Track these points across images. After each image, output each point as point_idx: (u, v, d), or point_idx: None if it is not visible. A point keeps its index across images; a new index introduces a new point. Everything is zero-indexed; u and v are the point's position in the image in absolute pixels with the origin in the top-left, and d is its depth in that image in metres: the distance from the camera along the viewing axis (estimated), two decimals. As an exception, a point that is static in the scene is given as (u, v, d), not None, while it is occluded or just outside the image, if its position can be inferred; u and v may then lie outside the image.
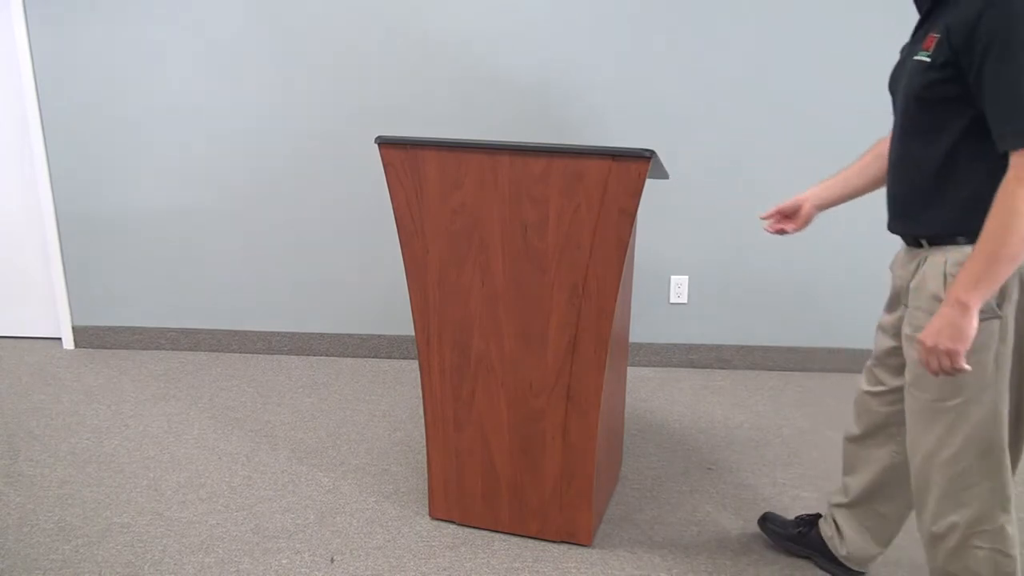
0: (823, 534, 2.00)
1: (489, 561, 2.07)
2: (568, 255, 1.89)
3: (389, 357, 3.51)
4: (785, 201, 1.92)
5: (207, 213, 3.39)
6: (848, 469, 1.89)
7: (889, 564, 2.02)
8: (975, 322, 1.36)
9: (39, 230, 3.52)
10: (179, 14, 3.18)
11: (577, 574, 2.02)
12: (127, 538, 2.16)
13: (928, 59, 1.42)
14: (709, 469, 2.55)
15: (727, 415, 2.95)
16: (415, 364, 3.44)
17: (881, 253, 3.20)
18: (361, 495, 2.38)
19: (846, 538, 1.92)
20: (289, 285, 3.46)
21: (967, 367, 1.39)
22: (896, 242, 1.75)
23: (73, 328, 3.57)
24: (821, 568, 2.03)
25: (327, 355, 3.52)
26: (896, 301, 1.67)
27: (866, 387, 1.80)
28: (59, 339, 3.65)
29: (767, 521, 2.14)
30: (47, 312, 3.62)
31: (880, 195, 3.29)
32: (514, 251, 1.93)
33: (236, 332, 3.52)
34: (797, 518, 2.09)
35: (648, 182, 3.15)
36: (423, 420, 2.49)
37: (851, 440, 1.87)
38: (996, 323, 1.42)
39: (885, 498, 1.83)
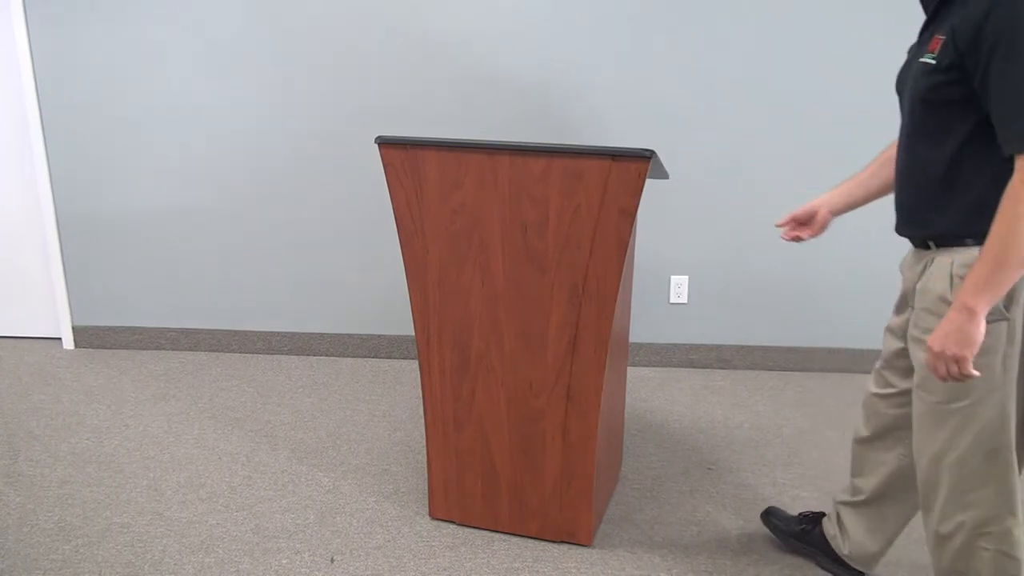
0: (826, 533, 1.99)
1: (489, 561, 2.07)
2: (568, 255, 1.89)
3: (389, 357, 3.51)
4: (799, 208, 1.90)
5: (207, 213, 3.39)
6: (856, 470, 1.88)
7: (889, 564, 2.02)
8: (982, 327, 1.35)
9: (39, 230, 3.52)
10: (179, 14, 3.18)
11: (577, 574, 2.02)
12: (127, 538, 2.16)
13: (933, 61, 1.41)
14: (709, 469, 2.55)
15: (727, 415, 2.95)
16: (415, 364, 3.44)
17: (881, 253, 3.21)
18: (361, 495, 2.38)
19: (851, 537, 1.91)
20: (289, 285, 3.46)
21: (975, 373, 1.38)
22: (897, 242, 1.75)
23: (73, 328, 3.57)
24: (822, 568, 2.03)
25: (327, 355, 3.52)
26: (904, 303, 1.66)
27: (874, 389, 1.79)
28: (59, 339, 3.65)
29: (770, 515, 2.14)
30: (47, 312, 3.62)
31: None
32: (514, 251, 1.93)
33: (236, 332, 3.52)
34: (800, 515, 2.08)
35: (648, 182, 3.15)
36: (423, 420, 2.49)
37: (859, 442, 1.85)
38: (1004, 325, 1.41)
39: (892, 500, 1.82)
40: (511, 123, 3.19)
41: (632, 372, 3.35)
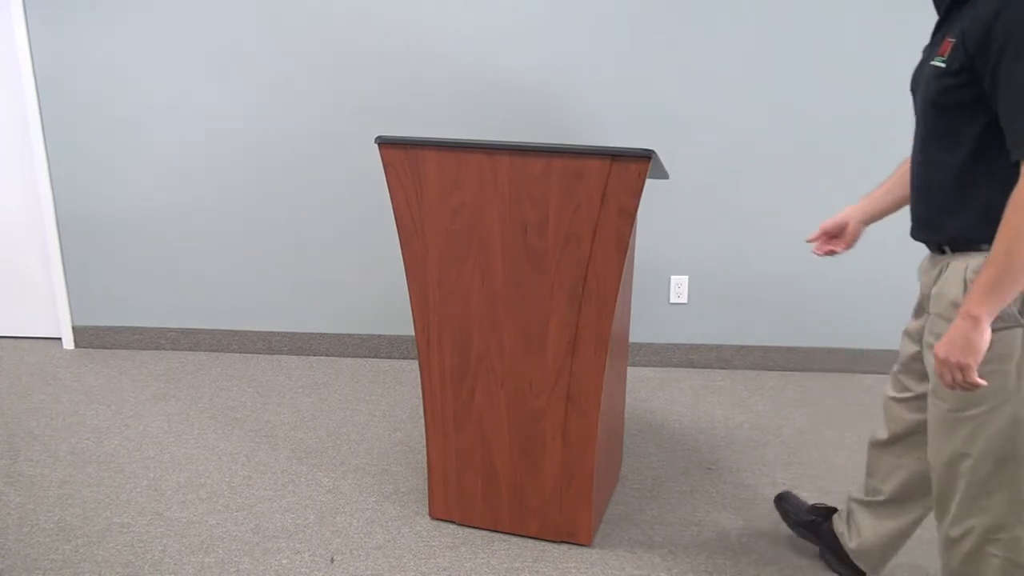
0: (835, 528, 1.99)
1: (489, 561, 2.07)
2: (568, 255, 1.89)
3: (389, 357, 3.51)
4: (828, 220, 1.87)
5: (207, 213, 3.39)
6: (872, 472, 1.87)
7: (890, 565, 2.02)
8: (987, 335, 1.34)
9: (39, 230, 3.52)
10: (179, 14, 3.18)
11: (577, 574, 2.02)
12: (127, 538, 2.16)
13: (943, 65, 1.40)
14: (709, 469, 2.55)
15: (727, 415, 2.95)
16: (415, 364, 3.44)
17: (881, 254, 3.21)
18: (361, 495, 2.38)
19: (860, 534, 1.90)
20: (289, 285, 3.46)
21: (981, 382, 1.37)
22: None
23: (73, 328, 3.57)
24: (825, 562, 2.03)
25: (327, 355, 3.52)
26: (922, 307, 1.65)
27: (892, 393, 1.78)
28: (59, 339, 3.65)
29: (783, 500, 2.14)
30: (47, 312, 3.62)
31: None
32: (514, 251, 1.93)
33: (236, 332, 3.52)
34: (813, 506, 2.08)
35: (648, 182, 3.15)
36: (423, 420, 2.49)
37: (877, 444, 1.83)
38: (1019, 332, 1.39)
39: (909, 503, 1.81)
40: (511, 123, 3.19)
41: (632, 372, 3.35)
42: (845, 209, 1.87)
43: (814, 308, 3.32)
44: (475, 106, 3.19)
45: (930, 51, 1.50)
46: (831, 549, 2.00)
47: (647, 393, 3.14)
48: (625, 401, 2.84)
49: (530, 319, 1.97)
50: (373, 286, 3.43)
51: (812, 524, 2.05)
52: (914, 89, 1.58)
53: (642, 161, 1.77)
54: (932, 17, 3.13)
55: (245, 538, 2.16)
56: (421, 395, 2.72)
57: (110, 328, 3.55)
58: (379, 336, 3.48)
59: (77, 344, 3.58)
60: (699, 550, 2.13)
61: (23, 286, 3.60)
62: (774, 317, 3.34)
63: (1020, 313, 1.39)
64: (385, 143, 1.94)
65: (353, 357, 3.51)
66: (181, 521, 2.24)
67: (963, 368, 1.37)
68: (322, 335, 3.49)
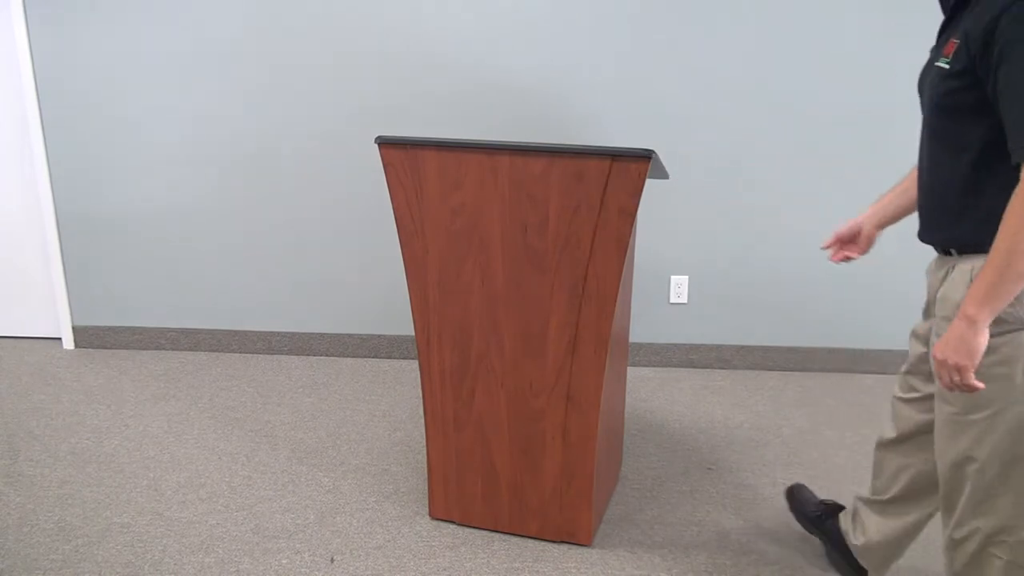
0: (840, 526, 1.98)
1: (489, 561, 2.07)
2: (568, 255, 1.89)
3: (389, 357, 3.51)
4: (842, 227, 1.85)
5: (207, 213, 3.39)
6: (878, 471, 1.86)
7: (892, 568, 2.02)
8: (984, 337, 1.34)
9: (39, 230, 3.52)
10: (179, 14, 3.18)
11: (577, 574, 2.02)
12: (127, 538, 2.16)
13: (947, 66, 1.38)
14: (709, 469, 2.55)
15: (727, 415, 2.95)
16: (415, 364, 3.44)
17: (881, 253, 3.20)
18: (361, 495, 2.38)
19: (865, 532, 1.89)
20: (289, 285, 3.46)
21: (978, 384, 1.37)
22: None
23: (73, 328, 3.57)
24: (830, 560, 2.03)
25: (327, 355, 3.52)
26: (929, 309, 1.64)
27: (899, 393, 1.77)
28: (59, 339, 3.65)
29: (794, 493, 2.14)
30: (47, 312, 3.62)
31: (877, 196, 3.29)
32: (514, 251, 1.93)
33: (236, 332, 3.52)
34: (821, 501, 2.08)
35: (648, 182, 3.15)
36: (423, 420, 2.48)
37: (884, 444, 1.83)
38: None
39: (915, 503, 1.80)
40: (511, 123, 3.19)
41: (632, 372, 3.35)
42: (860, 215, 1.85)
43: (814, 308, 3.32)
44: (475, 106, 3.19)
45: (936, 52, 1.49)
46: (836, 547, 2.00)
47: (647, 393, 3.14)
48: (625, 401, 2.84)
49: (530, 319, 1.97)
50: (373, 286, 3.43)
51: (818, 519, 2.05)
52: (921, 90, 1.57)
53: (642, 161, 1.77)
54: (932, 17, 3.12)
55: (245, 538, 2.16)
56: (421, 395, 2.72)
57: (110, 328, 3.55)
58: (379, 336, 3.48)
59: (77, 344, 3.58)
60: (699, 550, 2.13)
61: (23, 286, 3.60)
62: (774, 317, 3.34)
63: None
64: (385, 143, 1.94)
65: (353, 357, 3.51)
66: (181, 521, 2.24)
67: (960, 370, 1.37)
68: (322, 335, 3.49)
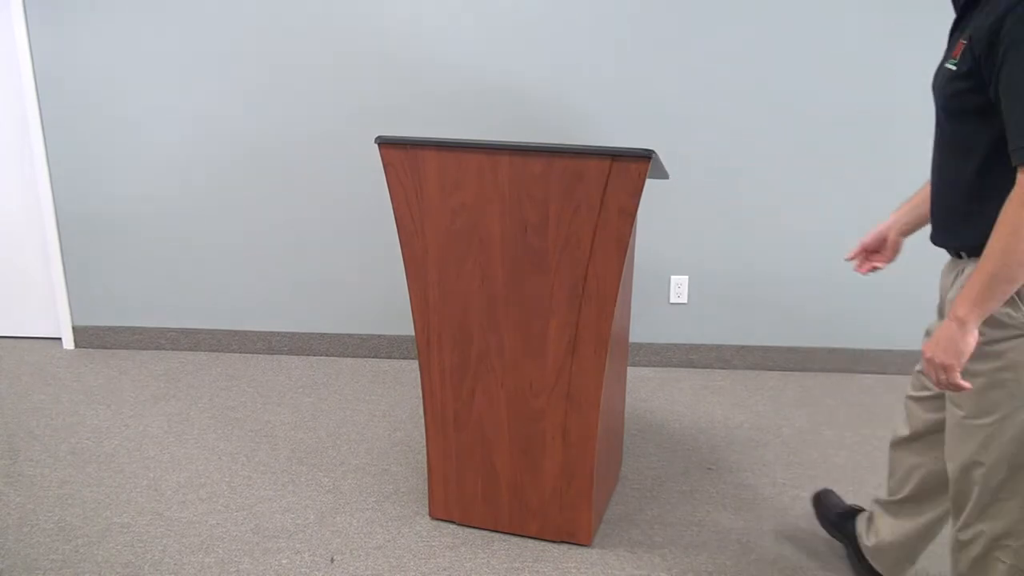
0: (857, 527, 1.98)
1: (489, 561, 2.07)
2: (568, 255, 1.89)
3: (389, 357, 3.51)
4: (866, 235, 1.83)
5: (207, 213, 3.39)
6: (892, 471, 1.85)
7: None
8: (972, 339, 1.34)
9: (39, 230, 3.52)
10: (179, 14, 3.18)
11: (577, 574, 2.02)
12: (127, 538, 2.16)
13: (954, 68, 1.37)
14: (709, 469, 2.55)
15: (727, 415, 2.95)
16: (415, 364, 3.44)
17: (881, 253, 3.20)
18: (361, 495, 2.38)
19: (878, 533, 1.88)
20: (289, 285, 3.46)
21: (964, 384, 1.38)
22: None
23: (73, 328, 3.57)
24: (851, 565, 2.01)
25: (327, 355, 3.52)
26: (942, 310, 1.63)
27: (911, 392, 1.77)
28: (59, 339, 3.65)
29: (821, 498, 2.14)
30: (47, 312, 3.62)
31: (877, 196, 3.30)
32: (514, 251, 1.93)
33: (236, 332, 3.52)
34: (848, 506, 2.07)
35: (648, 182, 3.15)
36: (423, 420, 2.48)
37: (897, 443, 1.82)
38: None
39: (928, 503, 1.79)
40: (511, 123, 3.19)
41: (632, 372, 3.35)
42: (883, 222, 1.82)
43: (814, 308, 3.32)
44: (475, 106, 3.19)
45: (946, 53, 1.48)
46: (854, 550, 1.98)
47: (647, 393, 3.14)
48: (625, 401, 2.84)
49: (530, 319, 1.97)
50: (373, 286, 3.43)
51: (840, 520, 2.04)
52: (933, 91, 1.55)
53: (642, 161, 1.77)
54: (932, 17, 3.13)
55: (245, 538, 2.16)
56: (421, 395, 2.72)
57: (110, 328, 3.55)
58: (379, 336, 3.48)
59: (77, 344, 3.58)
60: (699, 550, 2.13)
61: (23, 286, 3.60)
62: (774, 317, 3.34)
63: None
64: (385, 143, 1.94)
65: (353, 357, 3.51)
66: (181, 521, 2.24)
67: (947, 369, 1.37)
68: (322, 335, 3.49)
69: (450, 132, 3.22)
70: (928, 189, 1.75)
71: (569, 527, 2.12)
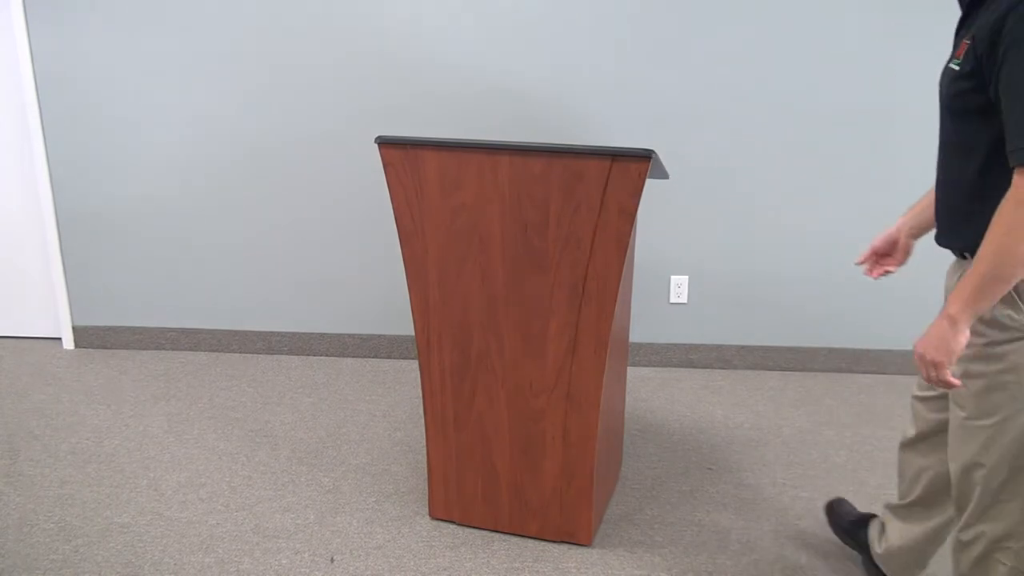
0: (870, 535, 1.96)
1: (489, 561, 2.07)
2: (568, 255, 1.89)
3: (389, 357, 3.51)
4: (876, 239, 1.81)
5: (207, 213, 3.39)
6: (902, 473, 1.84)
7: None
8: (963, 337, 1.35)
9: (39, 230, 3.52)
10: (179, 14, 3.18)
11: (577, 574, 2.02)
12: (127, 538, 2.15)
13: (957, 67, 1.37)
14: (709, 469, 2.55)
15: (727, 415, 2.95)
16: (415, 364, 3.44)
17: (881, 253, 3.20)
18: (361, 495, 2.38)
19: (888, 539, 1.87)
20: (289, 285, 3.46)
21: (954, 381, 1.38)
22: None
23: (73, 328, 3.57)
24: (867, 573, 2.00)
25: (327, 355, 3.52)
26: None
27: (916, 391, 1.76)
28: (59, 339, 3.65)
29: (834, 506, 2.12)
30: (47, 312, 3.62)
31: (877, 196, 3.30)
32: (514, 251, 1.93)
33: (236, 332, 3.52)
34: (860, 513, 2.06)
35: (648, 182, 3.15)
36: (423, 420, 2.48)
37: (905, 445, 1.81)
38: None
39: (934, 506, 1.78)
40: (511, 123, 3.19)
41: (632, 372, 3.35)
42: (893, 225, 1.80)
43: (814, 308, 3.32)
44: (475, 106, 3.19)
45: (952, 52, 1.47)
46: (868, 557, 1.97)
47: (647, 393, 3.14)
48: (625, 401, 2.84)
49: (530, 319, 1.97)
50: (373, 286, 3.43)
51: (852, 527, 2.02)
52: (939, 91, 1.55)
53: (642, 161, 1.77)
54: (932, 17, 3.13)
55: (245, 538, 2.16)
56: (421, 395, 2.72)
57: (110, 328, 3.55)
58: (379, 336, 3.48)
59: (77, 344, 3.58)
60: (699, 550, 2.13)
61: (23, 286, 3.60)
62: (774, 317, 3.34)
63: None
64: (385, 143, 1.94)
65: (353, 357, 3.51)
66: (181, 521, 2.24)
67: (937, 366, 1.38)
68: (322, 335, 3.49)
69: (450, 132, 3.21)
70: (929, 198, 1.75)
71: (569, 527, 2.12)
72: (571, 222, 1.86)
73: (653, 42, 3.08)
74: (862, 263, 1.84)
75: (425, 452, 2.64)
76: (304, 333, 3.50)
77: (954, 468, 1.55)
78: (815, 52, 3.06)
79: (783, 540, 2.17)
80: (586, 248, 1.87)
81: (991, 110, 1.32)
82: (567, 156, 1.82)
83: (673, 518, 2.28)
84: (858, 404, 3.04)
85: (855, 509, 2.11)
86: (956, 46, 1.43)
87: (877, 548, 1.91)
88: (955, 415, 1.51)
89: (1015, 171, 1.27)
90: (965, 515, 1.54)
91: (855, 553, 2.09)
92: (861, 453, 2.65)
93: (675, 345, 3.39)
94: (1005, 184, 1.32)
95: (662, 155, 3.16)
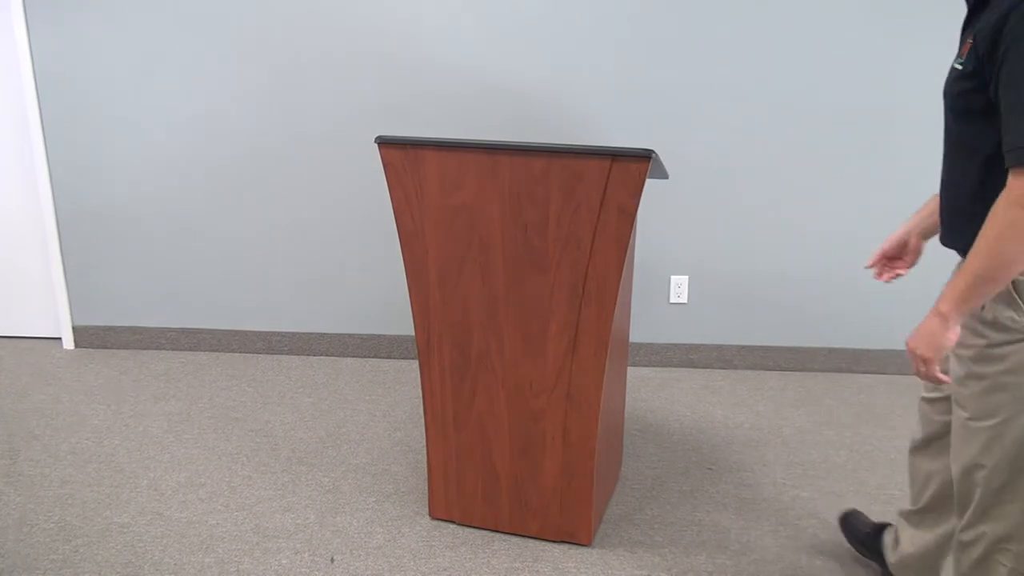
0: (883, 542, 1.94)
1: (489, 561, 2.07)
2: (568, 255, 1.89)
3: (389, 357, 3.51)
4: (885, 243, 1.79)
5: (207, 213, 3.39)
6: (913, 479, 1.82)
7: None
8: (952, 334, 1.36)
9: (39, 230, 3.52)
10: (180, 14, 3.18)
11: (577, 574, 2.02)
12: (127, 538, 2.16)
13: (961, 67, 1.36)
14: (709, 469, 2.55)
15: (727, 415, 2.95)
16: (415, 364, 3.44)
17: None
18: (361, 495, 2.38)
19: (900, 545, 1.85)
20: (289, 285, 3.46)
21: (943, 377, 1.40)
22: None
23: (73, 328, 3.57)
24: None
25: (327, 355, 3.52)
26: None
27: (923, 393, 1.75)
28: (59, 339, 3.65)
29: (848, 518, 2.10)
30: (47, 312, 3.62)
31: (877, 196, 3.30)
32: (514, 251, 1.93)
33: (236, 332, 3.52)
34: (874, 523, 2.04)
35: (648, 182, 3.15)
36: (423, 420, 2.48)
37: (914, 449, 1.80)
38: None
39: (944, 512, 1.77)
40: (511, 123, 3.19)
41: (632, 372, 3.35)
42: (902, 226, 1.79)
43: (814, 308, 3.32)
44: (475, 106, 3.19)
45: (957, 52, 1.45)
46: (880, 561, 1.95)
47: (647, 393, 3.14)
48: (625, 401, 2.84)
49: (530, 319, 1.97)
50: (373, 286, 3.43)
51: (868, 538, 2.00)
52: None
53: (642, 161, 1.77)
54: (932, 17, 3.13)
55: (245, 538, 2.16)
56: (421, 395, 2.72)
57: (110, 328, 3.55)
58: (379, 336, 3.48)
59: (77, 344, 3.58)
60: (699, 550, 2.13)
61: (23, 286, 3.60)
62: (774, 317, 3.34)
63: None
64: (385, 143, 1.94)
65: (353, 357, 3.51)
66: (181, 521, 2.24)
67: (925, 361, 1.40)
68: (322, 335, 3.49)
69: (450, 132, 3.22)
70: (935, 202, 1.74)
71: (569, 527, 2.12)
72: (571, 222, 1.86)
73: (653, 42, 3.08)
74: (872, 267, 1.83)
75: (425, 452, 2.64)
76: (304, 333, 3.50)
77: (956, 469, 1.54)
78: (815, 52, 3.06)
79: (783, 540, 2.17)
80: (586, 248, 1.87)
81: (993, 110, 1.31)
82: (567, 156, 1.82)
83: (673, 518, 2.28)
84: (858, 404, 3.04)
85: (869, 520, 2.08)
86: (961, 45, 1.42)
87: (891, 557, 1.89)
88: (957, 416, 1.51)
89: (1010, 171, 1.26)
90: (966, 516, 1.54)
91: (855, 553, 2.09)
92: (861, 453, 2.65)
93: (675, 345, 3.39)
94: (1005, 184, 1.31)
95: (662, 155, 3.16)
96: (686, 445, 2.72)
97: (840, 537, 2.16)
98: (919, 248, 1.77)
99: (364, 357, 3.51)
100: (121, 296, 3.52)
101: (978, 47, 1.30)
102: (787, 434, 2.80)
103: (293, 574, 2.01)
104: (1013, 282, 1.35)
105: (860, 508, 2.32)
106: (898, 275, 1.80)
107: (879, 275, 1.82)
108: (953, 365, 1.50)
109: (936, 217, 1.71)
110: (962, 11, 1.50)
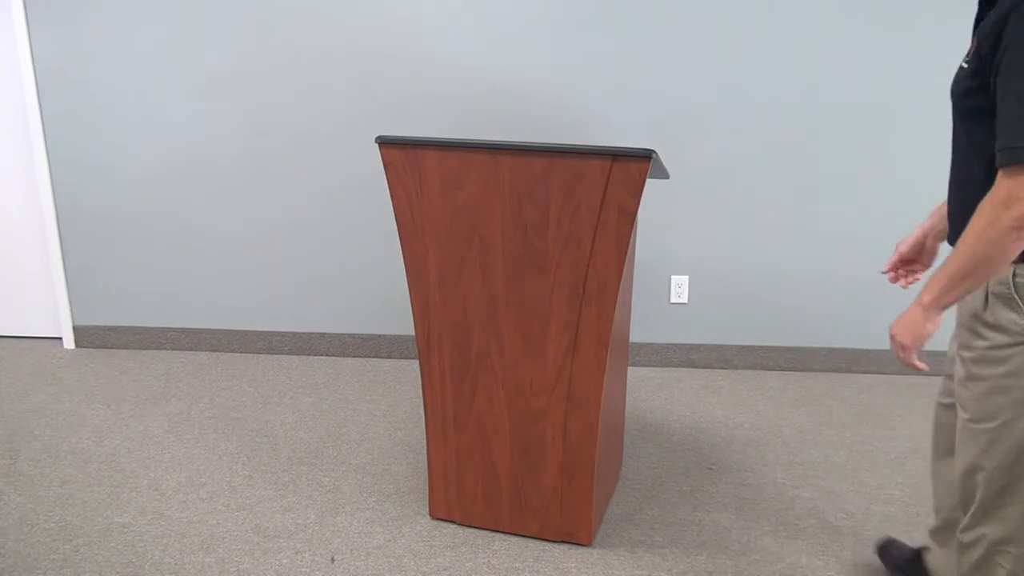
0: (927, 564, 1.87)
1: (489, 561, 2.07)
2: (568, 255, 1.89)
3: (389, 357, 3.51)
4: (901, 245, 1.77)
5: (207, 213, 3.39)
6: (935, 491, 1.80)
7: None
8: (932, 325, 1.39)
9: (39, 229, 3.52)
10: (179, 14, 3.18)
11: (577, 574, 2.02)
12: (127, 538, 2.16)
13: (966, 66, 1.36)
14: (709, 469, 2.55)
15: (727, 415, 2.95)
16: (415, 364, 3.44)
17: (881, 254, 3.20)
18: (361, 495, 2.38)
19: (931, 565, 1.82)
20: (289, 285, 3.46)
21: (920, 365, 1.43)
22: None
23: (73, 328, 3.57)
24: None
25: (327, 355, 3.52)
26: (959, 312, 1.60)
27: (939, 398, 1.75)
28: (59, 339, 3.65)
29: (886, 547, 2.02)
30: (47, 312, 3.62)
31: (878, 197, 3.30)
32: (514, 251, 1.93)
33: (237, 332, 3.52)
34: (912, 549, 1.97)
35: (648, 182, 3.15)
36: (423, 420, 2.49)
37: (934, 458, 1.78)
38: None
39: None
40: (511, 123, 3.19)
41: (632, 372, 3.35)
42: (918, 227, 1.77)
43: (814, 308, 3.32)
44: (475, 106, 3.19)
45: (966, 51, 1.45)
46: None
47: (647, 393, 3.14)
48: (625, 401, 2.84)
49: (530, 319, 1.97)
50: (373, 286, 3.43)
51: (911, 568, 1.93)
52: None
53: (642, 161, 1.77)
54: (932, 17, 3.12)
55: (245, 538, 2.16)
56: (421, 395, 2.72)
57: (110, 328, 3.55)
58: (379, 336, 3.48)
59: (77, 344, 3.58)
60: (699, 550, 2.13)
61: (23, 286, 3.60)
62: (774, 317, 3.34)
63: None
64: (385, 143, 1.94)
65: (353, 357, 3.51)
66: (181, 521, 2.24)
67: (904, 349, 1.43)
68: (322, 335, 3.49)
69: (450, 132, 3.22)
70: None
71: (569, 527, 2.12)
72: (571, 222, 1.86)
73: (653, 42, 3.08)
74: (888, 271, 1.81)
75: (425, 452, 2.64)
76: (304, 333, 3.50)
77: (957, 471, 1.55)
78: (815, 52, 3.06)
79: (783, 540, 2.17)
80: (586, 248, 1.87)
81: (994, 109, 1.31)
82: (567, 156, 1.82)
83: (673, 518, 2.28)
84: (858, 404, 3.04)
85: (906, 546, 2.01)
86: (970, 45, 1.43)
87: None
88: (960, 417, 1.51)
89: (1000, 171, 1.26)
90: (967, 517, 1.54)
91: (855, 553, 2.09)
92: (861, 453, 2.65)
93: (675, 345, 3.39)
94: None
95: (662, 155, 3.16)
96: (686, 445, 2.72)
97: (840, 537, 2.17)
98: (935, 249, 1.76)
99: (364, 357, 3.51)
100: (121, 296, 3.52)
101: (981, 46, 1.31)
102: (787, 434, 2.80)
103: (293, 574, 2.01)
104: (1014, 284, 1.35)
105: (860, 508, 2.32)
106: (916, 279, 1.79)
107: (896, 279, 1.80)
108: (956, 366, 1.51)
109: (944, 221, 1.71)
110: (963, 11, 1.50)
